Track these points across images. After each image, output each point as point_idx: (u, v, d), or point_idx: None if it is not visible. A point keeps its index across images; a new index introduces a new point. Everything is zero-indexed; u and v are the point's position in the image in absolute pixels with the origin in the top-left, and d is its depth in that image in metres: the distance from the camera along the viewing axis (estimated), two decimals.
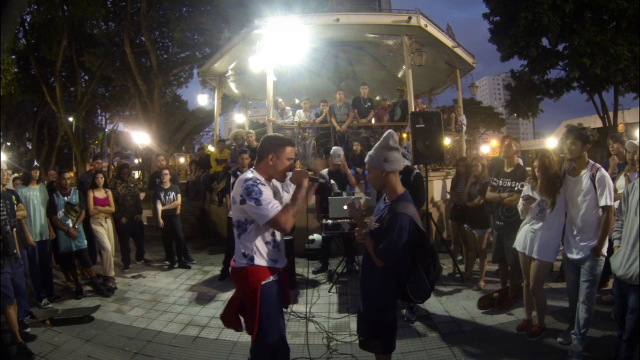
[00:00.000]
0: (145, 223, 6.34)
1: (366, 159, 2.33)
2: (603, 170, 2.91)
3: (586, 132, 2.99)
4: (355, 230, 2.33)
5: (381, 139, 2.27)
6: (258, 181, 2.05)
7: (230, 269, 2.22)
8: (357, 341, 3.28)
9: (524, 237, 3.26)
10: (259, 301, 2.04)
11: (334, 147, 5.58)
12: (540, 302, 3.27)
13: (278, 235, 2.19)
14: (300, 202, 2.08)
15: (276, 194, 2.21)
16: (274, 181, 2.26)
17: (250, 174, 2.11)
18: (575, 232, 2.98)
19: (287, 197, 2.29)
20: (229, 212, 5.18)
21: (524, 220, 3.33)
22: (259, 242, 2.10)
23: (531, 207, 3.18)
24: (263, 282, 2.08)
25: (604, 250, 2.90)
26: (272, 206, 1.99)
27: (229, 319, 2.24)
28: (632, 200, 2.57)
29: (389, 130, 2.28)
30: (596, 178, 2.85)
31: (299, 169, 2.19)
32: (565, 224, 3.10)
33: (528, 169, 3.56)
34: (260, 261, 2.09)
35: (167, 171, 6.14)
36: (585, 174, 2.93)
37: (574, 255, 2.97)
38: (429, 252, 2.23)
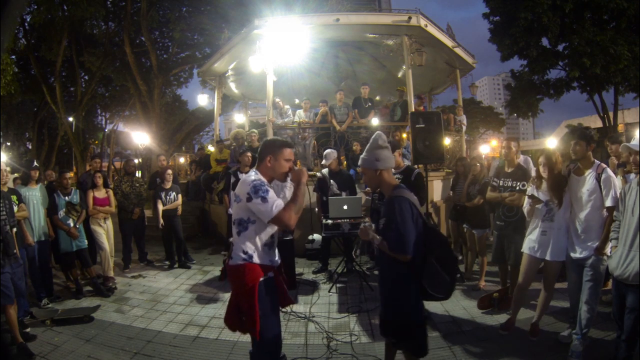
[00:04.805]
0: (145, 223, 6.33)
1: (360, 163, 2.36)
2: (609, 170, 2.89)
3: (590, 132, 2.97)
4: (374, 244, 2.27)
5: (370, 141, 2.31)
6: (264, 182, 2.14)
7: (226, 267, 2.25)
8: (358, 341, 3.30)
9: (535, 240, 3.19)
10: (257, 298, 2.06)
11: (327, 150, 5.57)
12: (548, 300, 3.28)
13: (275, 237, 2.26)
14: (301, 199, 2.13)
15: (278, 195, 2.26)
16: (277, 182, 2.34)
17: (254, 175, 2.18)
18: (579, 232, 2.97)
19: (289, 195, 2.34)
20: (229, 210, 5.19)
21: (530, 223, 3.29)
22: (259, 242, 2.15)
23: (537, 207, 3.16)
24: (260, 279, 2.11)
25: (607, 250, 2.88)
26: (277, 204, 2.05)
27: (233, 321, 2.25)
28: (629, 200, 2.56)
29: (377, 132, 2.33)
30: (602, 178, 2.84)
31: (297, 168, 2.25)
32: (569, 223, 3.09)
33: (534, 169, 3.55)
34: (258, 259, 2.14)
35: (170, 171, 6.14)
36: (590, 174, 2.92)
37: (578, 255, 2.97)
38: (438, 241, 2.17)
